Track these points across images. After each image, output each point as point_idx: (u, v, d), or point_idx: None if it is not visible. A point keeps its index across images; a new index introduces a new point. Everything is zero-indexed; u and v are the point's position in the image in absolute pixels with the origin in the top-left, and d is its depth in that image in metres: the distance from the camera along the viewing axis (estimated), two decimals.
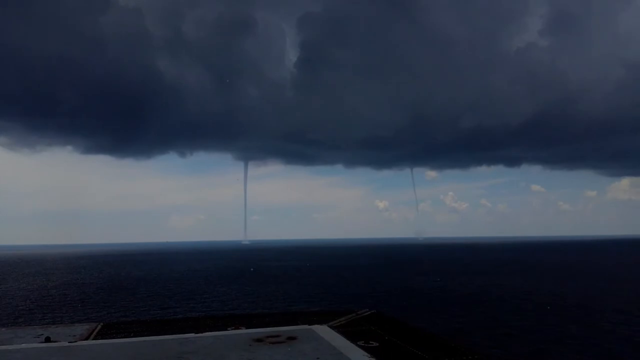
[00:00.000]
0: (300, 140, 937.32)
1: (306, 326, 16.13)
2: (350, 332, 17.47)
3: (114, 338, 13.10)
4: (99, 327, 15.56)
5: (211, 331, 13.47)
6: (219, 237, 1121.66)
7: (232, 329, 13.95)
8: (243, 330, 14.03)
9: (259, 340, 12.37)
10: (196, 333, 12.91)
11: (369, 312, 30.65)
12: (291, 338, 12.78)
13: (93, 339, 12.97)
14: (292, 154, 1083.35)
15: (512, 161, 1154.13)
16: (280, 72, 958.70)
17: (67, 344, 12.07)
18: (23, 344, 11.94)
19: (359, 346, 13.55)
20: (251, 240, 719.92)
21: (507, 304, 69.70)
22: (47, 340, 12.44)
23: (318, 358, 11.23)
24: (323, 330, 15.33)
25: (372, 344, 14.45)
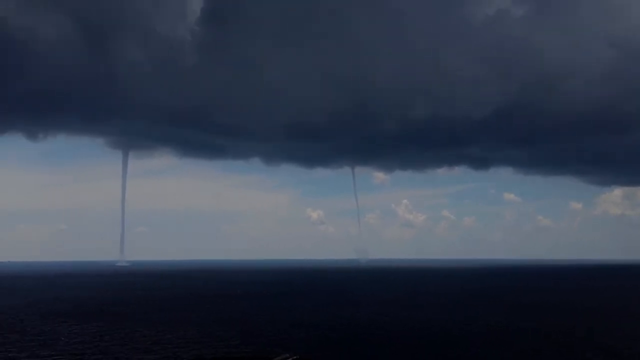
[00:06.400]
0: (204, 124, 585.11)
1: None
2: None
3: None
4: None
5: None
6: (84, 255, 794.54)
7: None
8: None
9: None
10: None
11: (291, 359, 28.80)
12: None
13: None
14: (191, 142, 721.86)
15: (479, 162, 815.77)
16: (178, 29, 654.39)
17: None
18: None
19: None
20: (131, 260, 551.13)
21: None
22: None
23: None
24: None
25: None
